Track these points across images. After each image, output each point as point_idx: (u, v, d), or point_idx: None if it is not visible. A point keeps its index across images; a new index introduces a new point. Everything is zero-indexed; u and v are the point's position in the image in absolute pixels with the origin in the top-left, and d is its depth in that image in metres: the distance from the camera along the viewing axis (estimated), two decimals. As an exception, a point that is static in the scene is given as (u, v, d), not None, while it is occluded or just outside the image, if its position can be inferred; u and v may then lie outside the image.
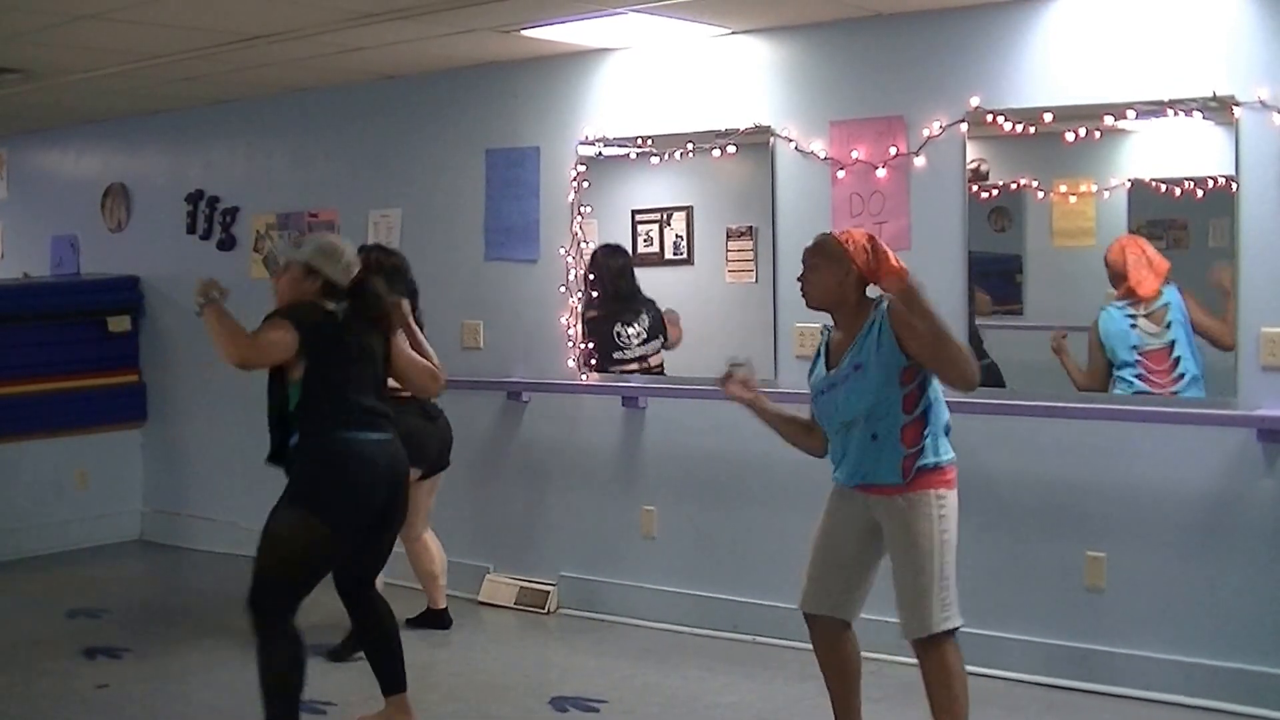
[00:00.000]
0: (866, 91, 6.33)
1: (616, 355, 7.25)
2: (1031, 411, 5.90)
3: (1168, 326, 5.96)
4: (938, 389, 4.69)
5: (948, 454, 4.68)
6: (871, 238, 4.78)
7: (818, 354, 4.90)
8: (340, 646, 6.48)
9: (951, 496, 4.66)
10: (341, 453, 5.02)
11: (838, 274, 4.71)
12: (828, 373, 4.77)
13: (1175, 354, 5.95)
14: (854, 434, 4.70)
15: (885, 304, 4.67)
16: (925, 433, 4.62)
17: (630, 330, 7.28)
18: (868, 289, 4.75)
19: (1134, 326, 6.02)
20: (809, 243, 4.85)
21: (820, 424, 4.92)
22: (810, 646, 6.40)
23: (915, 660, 5.96)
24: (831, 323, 4.87)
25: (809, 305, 4.83)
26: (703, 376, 6.84)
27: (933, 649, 4.65)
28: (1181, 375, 5.94)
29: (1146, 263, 5.97)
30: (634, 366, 7.31)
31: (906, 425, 4.61)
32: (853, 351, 4.69)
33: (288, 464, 5.10)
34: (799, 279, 4.84)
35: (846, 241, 4.74)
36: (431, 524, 6.93)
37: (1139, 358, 6.00)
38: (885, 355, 4.59)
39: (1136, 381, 6.00)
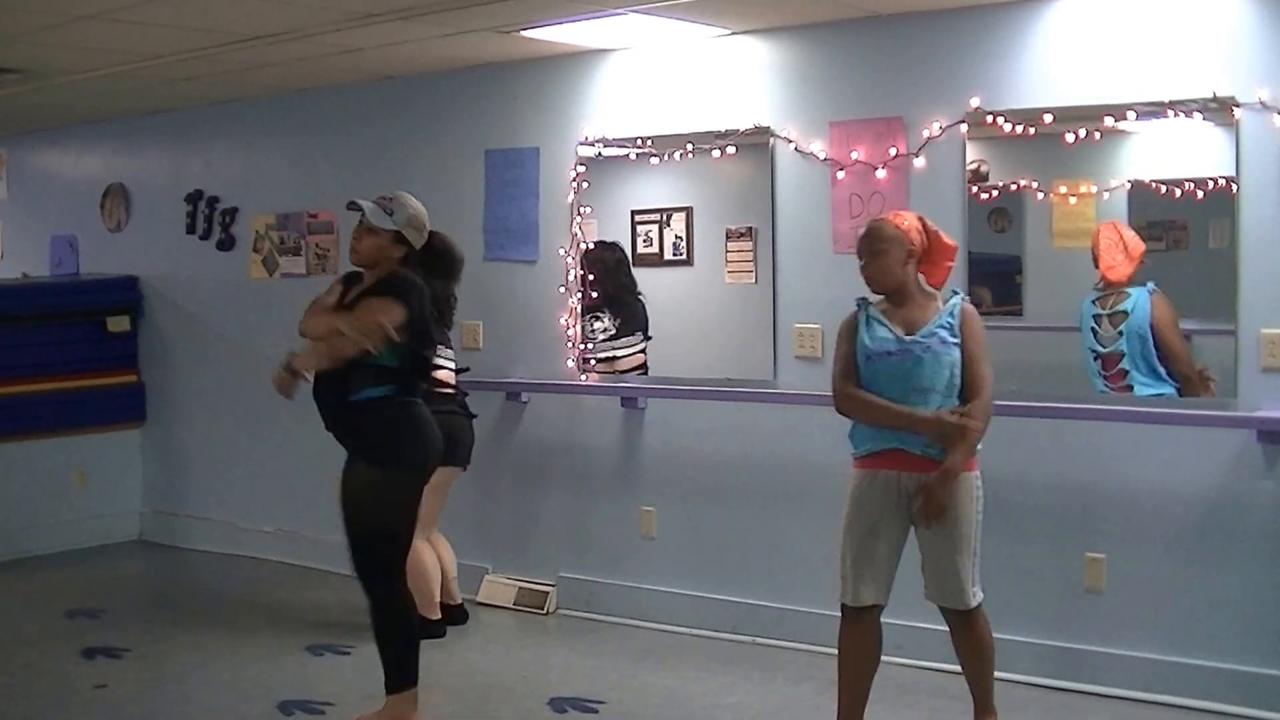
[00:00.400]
0: (866, 92, 6.32)
1: (585, 352, 7.24)
2: (1030, 412, 5.88)
3: (1119, 334, 5.96)
4: None
5: None
6: (921, 218, 5.01)
7: (867, 322, 4.95)
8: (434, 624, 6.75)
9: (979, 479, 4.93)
10: (419, 416, 5.31)
11: (900, 255, 4.90)
12: (900, 337, 4.87)
13: (1120, 365, 5.95)
14: (925, 402, 4.82)
15: (961, 297, 4.92)
16: None
17: (597, 325, 7.26)
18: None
19: (1095, 330, 6.02)
20: (867, 226, 4.99)
21: (876, 385, 4.91)
22: (807, 647, 6.44)
23: (913, 661, 6.02)
24: (873, 299, 5.00)
25: (877, 290, 4.96)
26: (702, 377, 6.85)
27: (970, 619, 4.96)
28: (1129, 387, 5.91)
29: (1121, 247, 5.92)
30: (602, 369, 7.28)
31: None
32: (935, 326, 4.85)
33: (354, 420, 5.24)
34: (863, 267, 4.96)
35: (902, 224, 4.94)
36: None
37: (1094, 360, 6.02)
38: (958, 341, 4.86)
39: (1098, 381, 6.00)
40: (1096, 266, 5.99)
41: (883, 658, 6.09)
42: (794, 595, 6.63)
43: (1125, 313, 5.91)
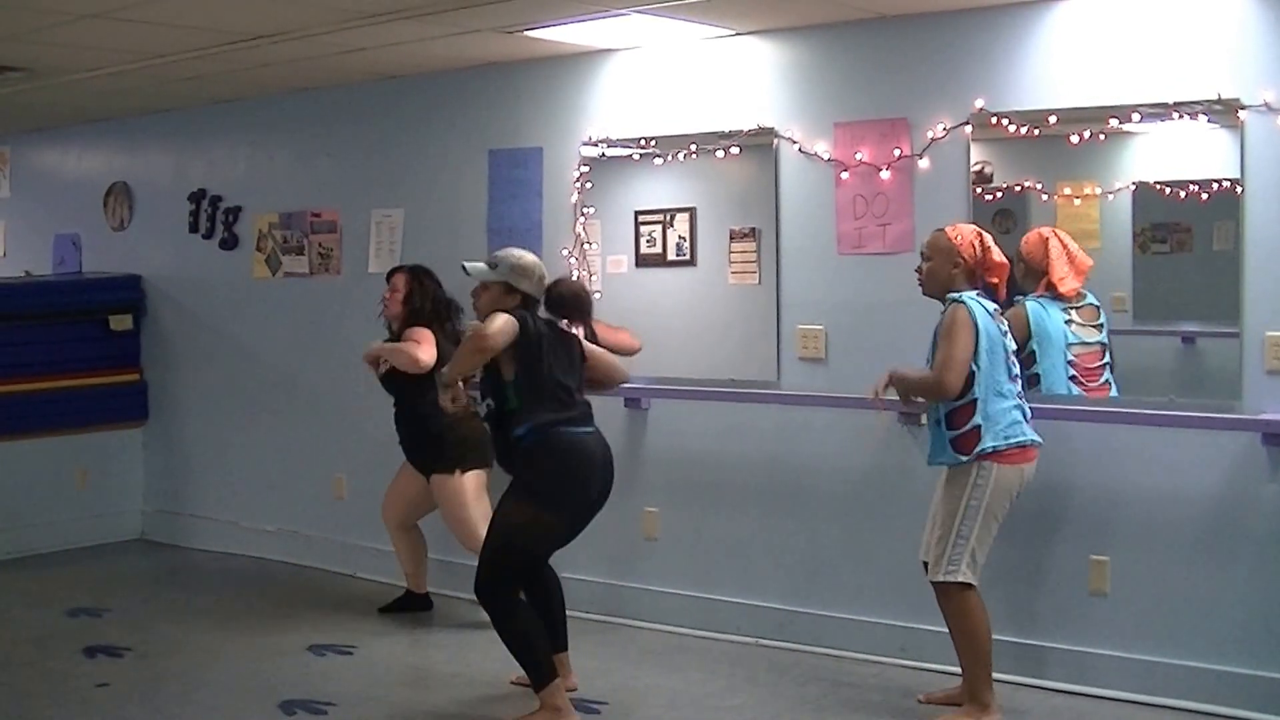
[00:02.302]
0: (871, 93, 6.32)
1: None
2: (1034, 414, 5.87)
3: (1099, 327, 5.97)
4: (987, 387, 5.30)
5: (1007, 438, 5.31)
6: (980, 234, 5.41)
7: None
8: (391, 604, 7.40)
9: (997, 470, 5.29)
10: (565, 448, 5.47)
11: (946, 266, 5.37)
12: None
13: (1105, 359, 5.95)
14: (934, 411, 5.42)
15: (952, 303, 5.30)
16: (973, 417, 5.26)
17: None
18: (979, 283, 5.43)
19: (1069, 322, 5.99)
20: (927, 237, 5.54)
21: None
22: (811, 648, 6.46)
23: (915, 663, 6.02)
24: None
25: (925, 293, 5.50)
26: (705, 378, 6.83)
27: (942, 593, 5.37)
28: (1108, 383, 5.93)
29: (1068, 259, 5.93)
30: None
31: (951, 411, 5.31)
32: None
33: (512, 459, 5.54)
34: (916, 269, 5.52)
35: (955, 237, 5.35)
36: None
37: (1072, 358, 5.98)
38: None
39: (1071, 385, 5.98)
40: (1038, 276, 5.96)
41: (883, 659, 6.18)
42: (798, 597, 6.62)
43: (1097, 306, 5.97)
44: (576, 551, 7.23)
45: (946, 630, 5.63)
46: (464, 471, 6.90)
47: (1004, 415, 5.28)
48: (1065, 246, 5.95)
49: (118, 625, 7.18)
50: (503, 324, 5.34)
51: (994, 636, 5.86)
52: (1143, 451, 5.70)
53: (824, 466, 6.51)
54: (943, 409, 5.31)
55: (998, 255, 5.42)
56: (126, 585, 8.31)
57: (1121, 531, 5.76)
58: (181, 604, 7.81)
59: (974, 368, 5.23)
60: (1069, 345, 5.98)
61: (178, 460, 9.45)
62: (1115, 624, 5.79)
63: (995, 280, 5.45)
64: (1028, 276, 6.01)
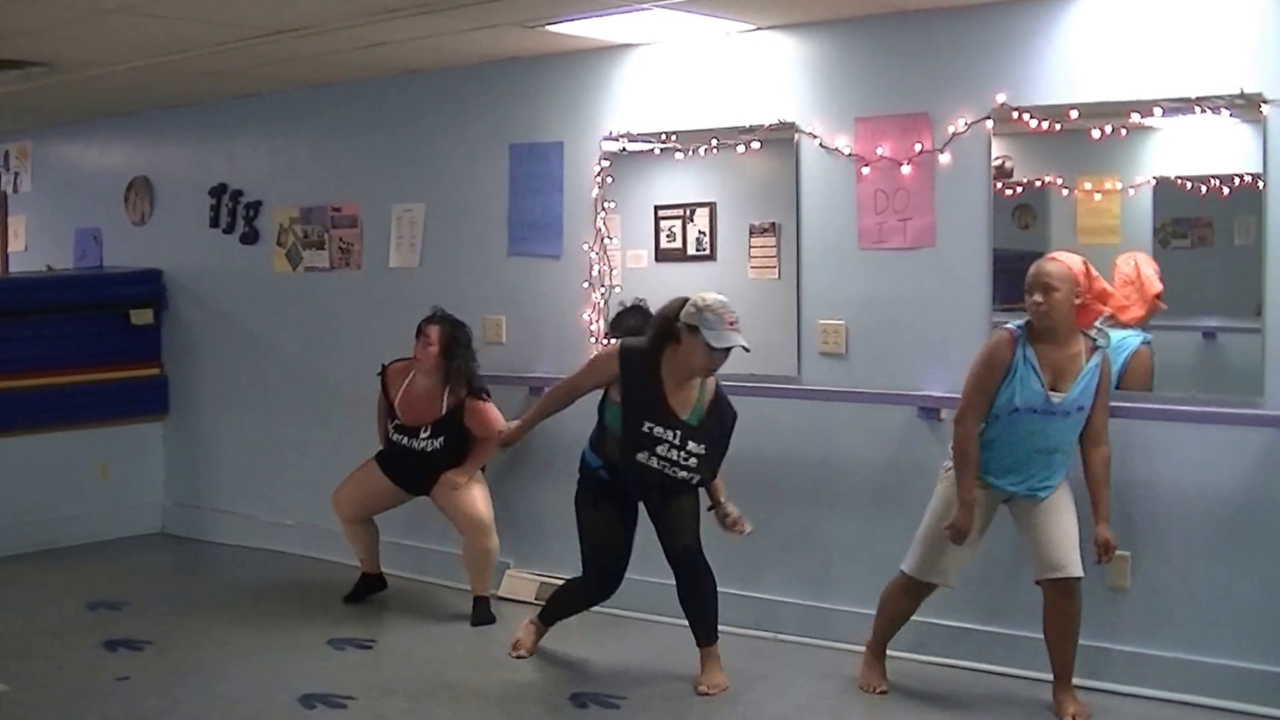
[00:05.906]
0: (891, 88, 6.31)
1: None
2: (1055, 410, 5.87)
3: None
4: None
5: None
6: (1085, 261, 5.43)
7: (1025, 368, 5.36)
8: (354, 591, 7.58)
9: None
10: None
11: (1071, 297, 5.33)
12: (1048, 397, 5.33)
13: None
14: (1050, 463, 5.41)
15: (1103, 351, 5.34)
16: None
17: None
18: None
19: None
20: (1041, 265, 5.39)
21: (1010, 435, 5.42)
22: (830, 643, 6.44)
23: (930, 658, 6.00)
24: (1024, 333, 5.39)
25: (1046, 325, 5.33)
26: (725, 373, 6.82)
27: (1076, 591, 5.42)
28: None
29: (1136, 284, 5.88)
30: None
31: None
32: (1078, 391, 5.33)
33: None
34: (1038, 301, 5.32)
35: (1072, 266, 5.39)
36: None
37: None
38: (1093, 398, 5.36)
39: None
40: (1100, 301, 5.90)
41: (900, 655, 6.16)
42: (817, 591, 6.62)
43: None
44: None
45: (967, 626, 5.64)
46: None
47: None
48: (1138, 272, 5.92)
49: (138, 619, 7.20)
50: None
51: (1011, 631, 5.88)
52: (1163, 447, 5.69)
53: (844, 461, 6.51)
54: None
55: (1105, 284, 5.52)
56: (146, 579, 8.33)
57: (1142, 527, 5.75)
58: (201, 598, 7.83)
59: None
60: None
61: (198, 454, 9.48)
62: (1135, 620, 5.78)
63: (1103, 308, 5.52)
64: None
